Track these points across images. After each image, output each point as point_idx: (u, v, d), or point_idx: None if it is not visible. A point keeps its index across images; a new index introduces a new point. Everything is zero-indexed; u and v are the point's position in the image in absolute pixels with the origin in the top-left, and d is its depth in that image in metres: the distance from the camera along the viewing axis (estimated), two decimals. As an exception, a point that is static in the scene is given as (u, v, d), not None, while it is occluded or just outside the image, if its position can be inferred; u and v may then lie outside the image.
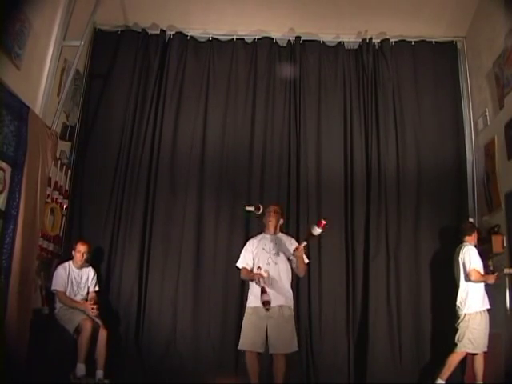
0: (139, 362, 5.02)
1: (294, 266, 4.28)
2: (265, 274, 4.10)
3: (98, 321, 4.65)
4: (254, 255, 4.32)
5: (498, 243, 4.80)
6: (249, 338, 4.10)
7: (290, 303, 4.23)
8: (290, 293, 4.26)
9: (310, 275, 5.24)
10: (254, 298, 4.17)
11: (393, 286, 5.20)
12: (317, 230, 3.93)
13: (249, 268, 4.29)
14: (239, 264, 4.38)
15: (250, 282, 4.30)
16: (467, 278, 4.55)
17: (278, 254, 4.27)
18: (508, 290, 4.64)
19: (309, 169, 5.57)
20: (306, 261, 4.37)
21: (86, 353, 4.43)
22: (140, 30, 6.00)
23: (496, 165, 5.02)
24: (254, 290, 4.19)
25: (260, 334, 4.05)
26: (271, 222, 4.41)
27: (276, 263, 4.23)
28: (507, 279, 4.65)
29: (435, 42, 5.93)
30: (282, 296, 4.16)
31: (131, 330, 5.13)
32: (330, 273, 5.29)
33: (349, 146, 5.65)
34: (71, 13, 5.10)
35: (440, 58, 5.91)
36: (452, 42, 5.97)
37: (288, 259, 4.27)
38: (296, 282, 5.19)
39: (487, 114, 5.32)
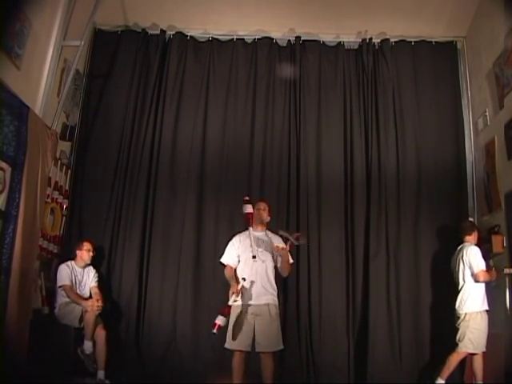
0: (139, 362, 5.03)
1: (278, 265, 4.30)
2: (245, 284, 4.10)
3: (99, 320, 4.66)
4: (241, 252, 4.30)
5: (498, 243, 4.79)
6: (236, 336, 4.07)
7: (276, 301, 4.24)
8: (275, 290, 4.26)
9: (309, 275, 5.26)
10: (239, 297, 4.15)
11: (393, 286, 5.20)
12: (294, 242, 4.16)
13: (233, 265, 4.29)
14: (224, 260, 4.37)
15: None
16: (476, 279, 4.50)
17: (264, 251, 4.26)
18: (508, 290, 4.63)
19: (309, 169, 5.57)
20: (291, 261, 4.39)
21: (92, 331, 4.49)
22: (140, 30, 6.00)
23: (496, 165, 5.02)
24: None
25: (248, 333, 4.05)
26: (259, 219, 4.41)
27: (263, 261, 4.23)
28: (507, 279, 4.65)
29: (435, 42, 5.93)
30: (269, 294, 4.17)
31: (131, 330, 5.13)
32: (330, 273, 5.28)
33: (349, 146, 5.65)
34: (71, 13, 5.10)
35: (440, 58, 5.90)
36: (452, 41, 5.97)
37: (273, 257, 4.29)
38: (296, 282, 5.23)
39: (487, 114, 5.32)
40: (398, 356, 5.03)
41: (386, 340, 5.05)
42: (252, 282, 4.14)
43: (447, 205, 5.44)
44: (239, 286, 4.04)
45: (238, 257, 4.29)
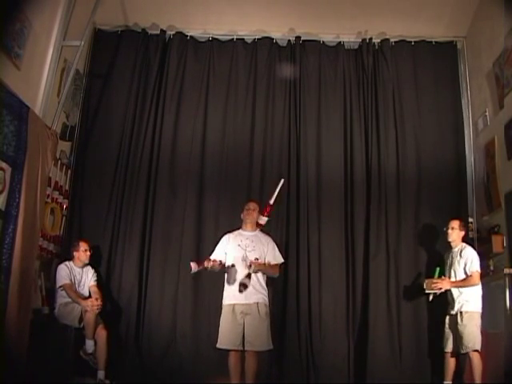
0: (139, 362, 5.03)
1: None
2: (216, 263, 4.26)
3: (99, 319, 4.66)
4: (229, 251, 4.36)
5: (498, 243, 4.80)
6: (226, 335, 4.14)
7: (266, 300, 4.29)
8: (265, 290, 4.31)
9: (310, 275, 5.26)
10: (229, 296, 4.24)
11: (393, 286, 5.20)
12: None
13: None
14: (212, 258, 4.41)
15: (226, 280, 4.36)
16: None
17: (253, 251, 4.29)
18: (508, 290, 4.63)
19: (309, 168, 5.57)
20: (281, 260, 4.48)
21: (93, 330, 4.50)
22: (140, 30, 6.00)
23: (496, 165, 5.02)
24: (229, 287, 4.27)
25: (237, 332, 4.11)
26: (249, 219, 4.46)
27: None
28: (507, 279, 4.64)
29: (435, 42, 5.93)
30: (259, 293, 4.23)
31: (131, 330, 5.13)
32: (330, 273, 5.28)
33: (349, 146, 5.64)
34: (71, 13, 5.11)
35: (440, 58, 5.90)
36: (452, 42, 5.97)
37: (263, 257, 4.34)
38: (296, 282, 5.23)
39: (487, 114, 5.32)
40: (398, 356, 5.02)
41: (386, 340, 5.05)
42: (233, 266, 4.27)
43: (447, 205, 5.44)
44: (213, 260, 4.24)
45: (225, 254, 4.39)
